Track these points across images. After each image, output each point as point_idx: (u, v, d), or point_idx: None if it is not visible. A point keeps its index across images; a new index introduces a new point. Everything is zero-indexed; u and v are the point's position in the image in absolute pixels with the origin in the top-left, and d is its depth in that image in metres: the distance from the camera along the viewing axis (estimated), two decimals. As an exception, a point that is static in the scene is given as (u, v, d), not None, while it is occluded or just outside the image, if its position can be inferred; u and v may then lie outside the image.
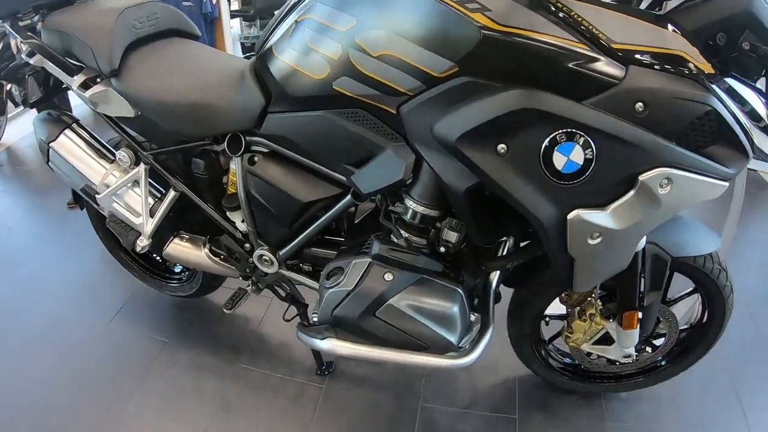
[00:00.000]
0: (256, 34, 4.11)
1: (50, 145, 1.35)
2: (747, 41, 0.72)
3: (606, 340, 1.30)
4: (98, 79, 1.22)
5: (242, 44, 4.26)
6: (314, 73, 0.90)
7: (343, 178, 1.02)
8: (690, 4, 0.75)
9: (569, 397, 1.57)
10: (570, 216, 0.80)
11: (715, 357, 1.43)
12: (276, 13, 1.03)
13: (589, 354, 1.39)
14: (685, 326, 1.39)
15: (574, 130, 0.74)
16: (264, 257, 1.23)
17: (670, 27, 0.74)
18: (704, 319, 1.33)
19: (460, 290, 1.02)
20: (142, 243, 1.32)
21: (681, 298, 1.33)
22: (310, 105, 0.95)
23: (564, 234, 0.82)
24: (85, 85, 1.22)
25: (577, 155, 0.76)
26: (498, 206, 0.90)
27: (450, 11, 0.75)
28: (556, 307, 1.35)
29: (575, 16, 0.73)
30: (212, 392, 1.51)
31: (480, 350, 1.07)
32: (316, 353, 1.53)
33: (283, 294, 1.42)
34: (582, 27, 0.72)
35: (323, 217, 1.11)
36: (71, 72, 1.23)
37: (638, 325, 1.19)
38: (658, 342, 1.37)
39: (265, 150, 1.10)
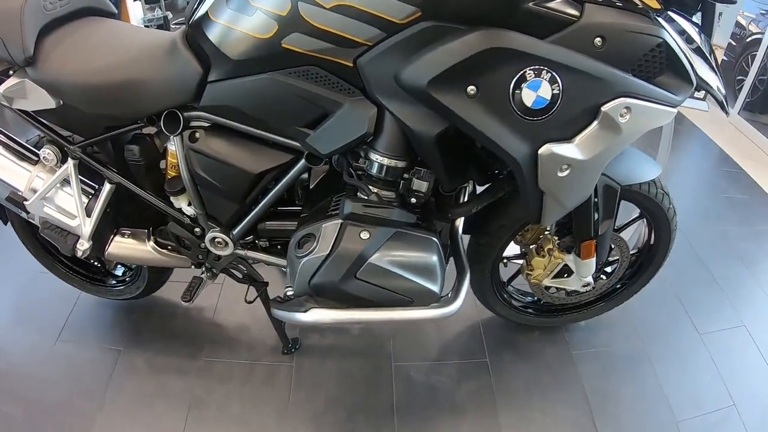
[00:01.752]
0: (160, 16, 3.88)
1: None
2: None
3: (564, 272, 1.35)
4: (10, 72, 1.09)
5: (146, 27, 3.99)
6: (259, 33, 0.85)
7: (296, 143, 0.98)
8: None
9: (533, 333, 1.64)
10: (541, 151, 0.83)
11: (658, 277, 1.53)
12: None
13: (548, 288, 1.44)
14: (634, 250, 1.47)
15: (540, 67, 0.76)
16: (217, 239, 1.17)
17: None
18: (651, 241, 1.41)
19: (435, 239, 1.01)
20: (83, 246, 1.21)
21: (629, 224, 1.41)
22: (256, 68, 0.89)
23: (536, 169, 0.84)
24: None
25: (545, 91, 0.78)
26: (464, 150, 0.90)
27: None
28: (511, 249, 1.39)
29: None
30: (180, 393, 1.44)
31: (463, 295, 1.09)
32: (281, 331, 1.48)
33: (239, 276, 1.36)
34: None
35: (276, 187, 1.06)
36: None
37: (595, 254, 1.23)
38: (611, 268, 1.44)
39: (206, 124, 1.03)
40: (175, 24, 4.29)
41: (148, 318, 1.68)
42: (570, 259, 1.29)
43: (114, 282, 1.66)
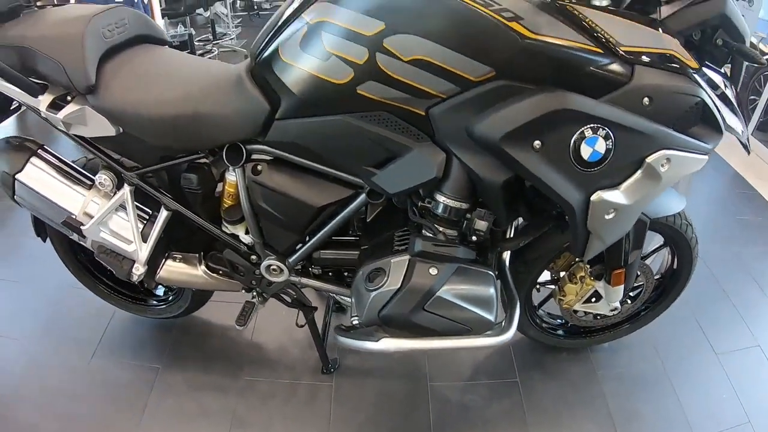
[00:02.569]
0: (183, 32, 3.95)
1: (16, 177, 1.19)
2: (720, 38, 0.86)
3: (592, 297, 1.42)
4: (68, 97, 1.10)
5: (170, 44, 4.05)
6: (334, 78, 0.88)
7: (358, 179, 1.03)
8: (677, 10, 0.85)
9: (560, 354, 1.70)
10: (593, 197, 0.89)
11: (678, 299, 1.59)
12: (275, 15, 0.99)
13: (577, 312, 1.50)
14: (658, 275, 1.53)
15: (597, 125, 0.83)
16: (272, 267, 1.21)
17: (660, 29, 0.84)
18: (674, 266, 1.48)
19: (492, 273, 1.08)
20: (139, 271, 1.24)
21: (654, 252, 1.48)
22: (327, 109, 0.93)
23: (587, 212, 0.91)
24: (54, 105, 1.09)
25: (600, 146, 0.85)
26: (521, 192, 0.97)
27: (489, 20, 0.79)
28: (543, 275, 1.46)
29: (589, 22, 0.81)
30: (220, 411, 1.46)
31: (515, 323, 1.16)
32: (322, 351, 1.54)
33: (289, 300, 1.41)
34: (595, 32, 0.81)
35: (335, 219, 1.11)
36: (34, 92, 1.09)
37: (624, 281, 1.30)
38: (636, 293, 1.51)
39: (268, 157, 1.07)
40: (199, 41, 4.37)
41: (186, 336, 1.70)
42: (600, 286, 1.36)
43: (155, 302, 1.68)
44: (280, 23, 0.94)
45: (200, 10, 4.36)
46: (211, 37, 4.37)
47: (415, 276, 1.03)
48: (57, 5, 1.17)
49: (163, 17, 3.68)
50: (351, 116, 0.92)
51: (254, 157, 1.07)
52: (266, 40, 0.96)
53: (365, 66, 0.85)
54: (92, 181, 1.24)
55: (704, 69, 0.90)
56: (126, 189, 1.19)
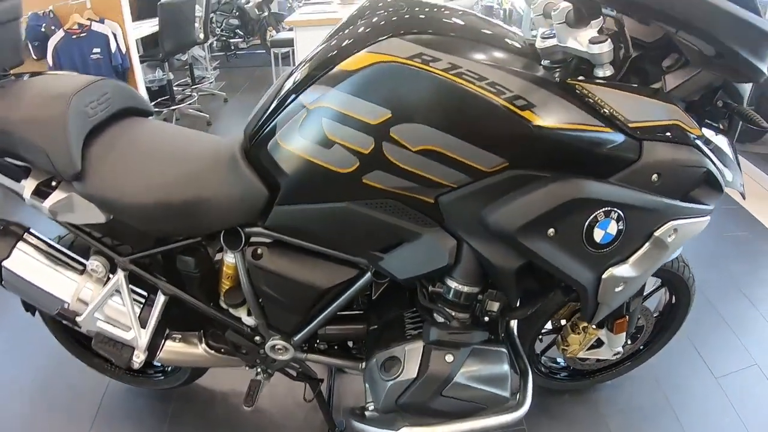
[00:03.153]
0: (162, 77, 3.95)
1: (2, 264, 1.13)
2: (721, 100, 0.86)
3: (596, 344, 1.42)
4: (53, 183, 1.04)
5: (148, 89, 4.06)
6: (338, 167, 0.85)
7: (363, 260, 1.01)
8: (682, 82, 0.85)
9: (563, 396, 1.70)
10: (604, 276, 0.90)
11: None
12: (268, 93, 0.96)
13: (580, 358, 1.51)
14: (656, 314, 1.55)
15: (610, 209, 0.84)
16: (277, 346, 1.18)
17: (663, 99, 0.84)
18: (672, 302, 1.50)
19: (504, 349, 1.09)
20: (139, 358, 1.20)
21: (652, 293, 1.49)
22: (331, 197, 0.90)
23: (597, 289, 0.92)
24: (39, 192, 1.03)
25: (612, 228, 0.86)
26: (531, 269, 0.97)
27: (501, 110, 0.77)
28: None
29: (598, 100, 0.80)
30: None
31: (530, 396, 1.15)
32: (328, 416, 1.51)
33: (294, 374, 1.38)
34: (604, 111, 0.80)
35: (341, 299, 1.07)
36: (17, 176, 1.04)
37: (626, 328, 1.31)
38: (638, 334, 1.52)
39: (268, 240, 1.03)
40: (178, 86, 4.36)
41: (188, 404, 1.66)
42: (603, 334, 1.36)
43: (153, 373, 1.64)
44: (275, 104, 0.91)
45: (179, 54, 4.38)
46: (189, 81, 4.37)
47: (432, 364, 1.03)
48: (32, 74, 1.13)
49: (141, 63, 3.69)
50: (356, 203, 0.89)
51: (254, 240, 1.03)
52: (261, 121, 0.93)
53: (371, 156, 0.83)
54: (83, 264, 1.19)
55: (703, 129, 0.90)
56: (120, 275, 1.15)
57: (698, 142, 0.85)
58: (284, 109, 0.89)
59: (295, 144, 0.87)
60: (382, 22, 0.86)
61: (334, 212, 0.91)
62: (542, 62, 0.86)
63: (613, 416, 1.65)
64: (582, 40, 0.77)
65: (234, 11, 6.00)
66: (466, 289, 0.99)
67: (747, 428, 1.65)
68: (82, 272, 1.19)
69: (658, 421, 1.65)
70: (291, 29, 3.34)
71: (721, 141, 0.94)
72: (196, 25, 4.01)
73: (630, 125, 0.80)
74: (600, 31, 0.77)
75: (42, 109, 0.99)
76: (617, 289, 0.93)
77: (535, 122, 0.77)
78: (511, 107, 0.77)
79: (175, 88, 4.16)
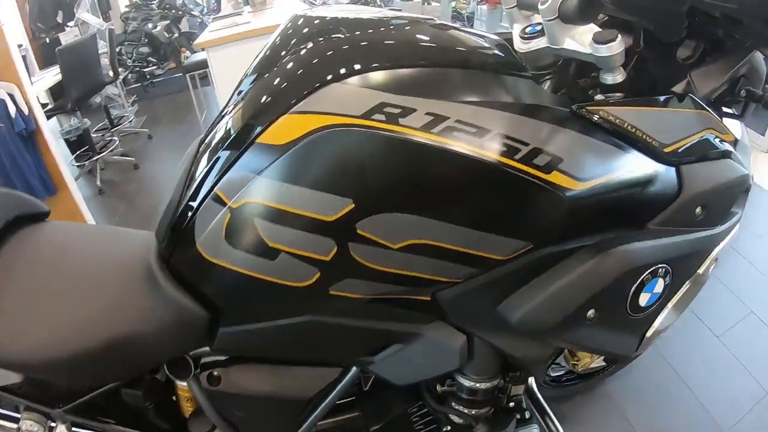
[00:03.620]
0: (77, 126, 3.62)
1: None
2: (744, 89, 0.70)
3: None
4: None
5: (66, 140, 3.70)
6: (291, 281, 0.62)
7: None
8: (708, 75, 0.68)
9: (574, 398, 1.62)
10: (648, 335, 0.75)
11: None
12: (176, 186, 0.71)
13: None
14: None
15: (657, 267, 0.67)
16: None
17: (692, 104, 0.67)
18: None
19: (536, 427, 0.94)
20: None
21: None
22: (290, 313, 0.68)
23: (638, 347, 0.77)
24: None
25: (659, 286, 0.69)
26: None
27: (518, 178, 0.55)
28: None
29: (628, 127, 0.61)
30: None
31: None
32: None
33: None
34: (636, 137, 0.62)
35: (327, 401, 0.85)
36: None
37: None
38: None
39: (224, 357, 0.81)
40: (97, 132, 4.03)
41: None
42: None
43: None
44: (185, 199, 0.67)
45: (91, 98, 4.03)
46: (108, 125, 4.05)
47: None
48: None
49: (49, 117, 3.35)
50: (324, 316, 0.67)
51: (205, 361, 0.81)
52: (172, 224, 0.69)
53: (335, 262, 0.60)
54: (16, 421, 0.96)
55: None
56: (61, 428, 0.93)
57: (732, 149, 0.71)
58: (199, 207, 0.65)
59: (225, 256, 0.63)
60: (314, 60, 0.62)
61: (298, 327, 0.68)
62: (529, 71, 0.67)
63: (628, 403, 1.58)
64: (583, 39, 0.59)
65: (143, 39, 5.65)
66: (483, 385, 0.80)
67: (757, 381, 1.63)
68: None
69: (670, 395, 1.60)
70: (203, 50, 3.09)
71: (736, 128, 0.79)
72: (104, 62, 3.70)
73: (666, 150, 0.63)
74: (603, 25, 0.60)
75: None
76: (654, 339, 0.78)
77: (568, 186, 0.57)
78: (533, 171, 0.56)
79: (94, 135, 3.85)
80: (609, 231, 0.63)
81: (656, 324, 0.75)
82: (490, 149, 0.55)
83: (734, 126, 0.78)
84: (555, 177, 0.56)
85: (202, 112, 4.09)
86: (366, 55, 0.61)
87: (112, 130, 4.03)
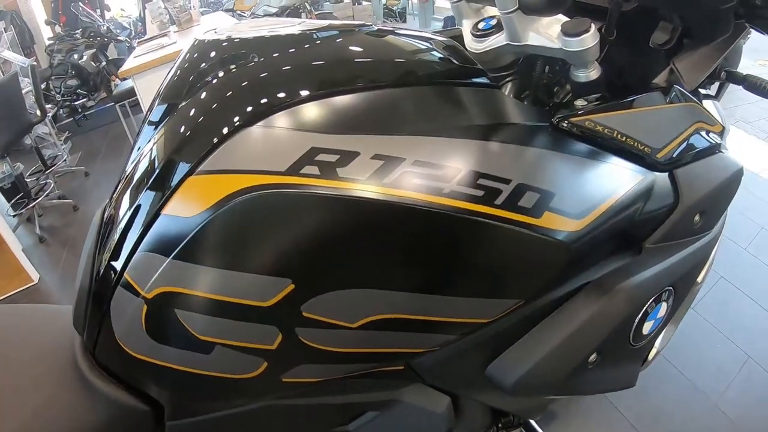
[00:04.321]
0: (10, 172, 3.37)
1: None
2: (723, 70, 0.62)
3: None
4: None
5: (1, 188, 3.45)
6: (235, 374, 0.52)
7: None
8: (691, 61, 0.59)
9: (568, 406, 1.59)
10: (649, 357, 0.68)
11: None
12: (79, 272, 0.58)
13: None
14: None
15: (662, 291, 0.60)
16: None
17: (679, 96, 0.60)
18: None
19: None
20: None
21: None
22: (242, 402, 0.56)
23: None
24: None
25: (662, 310, 0.62)
26: None
27: (500, 229, 0.46)
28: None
29: (617, 135, 0.53)
30: None
31: None
32: None
33: None
34: (627, 146, 0.54)
35: None
36: None
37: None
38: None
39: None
40: (31, 176, 3.77)
41: None
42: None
43: None
44: (94, 286, 0.55)
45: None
46: (42, 167, 3.81)
47: None
48: None
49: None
50: (280, 400, 0.57)
51: None
52: (85, 314, 0.57)
53: (282, 350, 0.49)
54: None
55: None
56: None
57: (721, 140, 0.64)
58: (110, 296, 0.52)
59: (151, 352, 0.51)
60: (220, 99, 0.49)
61: (253, 413, 0.57)
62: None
63: (621, 398, 1.56)
64: (549, 32, 0.50)
65: (70, 71, 5.36)
66: None
67: (738, 346, 1.66)
68: None
69: (658, 378, 1.59)
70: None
71: (712, 108, 0.72)
72: (29, 101, 3.45)
73: (659, 156, 0.56)
74: (569, 13, 0.50)
75: None
76: (652, 362, 0.73)
77: (564, 228, 0.48)
78: (520, 217, 0.46)
79: (28, 179, 3.61)
80: (606, 263, 0.56)
81: (657, 344, 0.69)
82: (462, 197, 0.45)
83: (711, 108, 0.71)
84: (548, 220, 0.47)
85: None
86: (286, 84, 0.48)
87: (47, 172, 3.79)
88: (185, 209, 0.45)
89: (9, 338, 0.72)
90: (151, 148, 0.53)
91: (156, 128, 0.54)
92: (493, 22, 0.57)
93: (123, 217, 0.52)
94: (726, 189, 0.63)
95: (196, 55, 0.57)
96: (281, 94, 0.47)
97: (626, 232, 0.57)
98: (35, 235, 3.19)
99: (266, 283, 0.45)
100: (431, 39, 0.60)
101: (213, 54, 0.55)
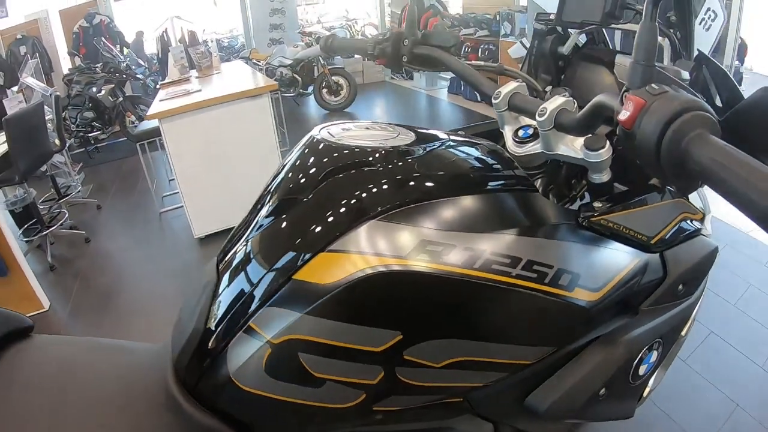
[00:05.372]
0: (23, 196, 3.45)
1: None
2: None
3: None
4: None
5: (11, 212, 3.46)
6: (336, 404, 0.64)
7: None
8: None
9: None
10: (644, 394, 0.83)
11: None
12: (189, 303, 0.71)
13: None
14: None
15: (653, 342, 0.76)
16: None
17: (669, 194, 0.76)
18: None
19: None
20: None
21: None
22: (331, 429, 0.69)
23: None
24: None
25: (654, 357, 0.78)
26: None
27: (547, 300, 0.62)
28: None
29: (623, 229, 0.70)
30: None
31: None
32: None
33: None
34: (630, 236, 0.71)
35: None
36: None
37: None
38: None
39: None
40: (44, 203, 3.86)
41: None
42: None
43: None
44: (212, 330, 0.66)
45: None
46: (55, 195, 3.91)
47: None
48: None
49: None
50: (365, 427, 0.69)
51: None
52: (195, 353, 0.68)
53: (381, 384, 0.62)
54: None
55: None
56: None
57: (701, 225, 0.81)
58: (230, 339, 0.64)
59: (265, 387, 0.63)
60: (347, 194, 0.63)
61: None
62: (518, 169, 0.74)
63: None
64: (575, 146, 0.67)
65: (87, 103, 5.53)
66: None
67: (727, 396, 1.78)
68: None
69: (653, 427, 1.69)
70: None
71: (697, 197, 0.90)
72: (49, 131, 3.58)
73: (652, 242, 0.72)
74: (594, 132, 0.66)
75: None
76: (647, 398, 0.88)
77: (588, 299, 0.65)
78: (559, 292, 0.63)
79: (40, 206, 3.67)
80: (612, 321, 0.72)
81: (650, 384, 0.84)
82: (524, 278, 0.61)
83: (697, 197, 0.88)
84: (577, 293, 0.64)
85: (153, 180, 4.01)
86: (399, 190, 0.63)
87: (60, 201, 3.88)
88: (318, 277, 0.59)
89: (93, 367, 0.82)
90: (277, 226, 0.67)
91: (276, 208, 0.69)
92: (530, 131, 0.74)
93: (246, 274, 0.66)
94: (703, 264, 0.79)
95: (312, 151, 0.72)
96: (396, 198, 0.62)
97: (629, 300, 0.73)
98: (46, 262, 3.23)
99: (382, 334, 0.60)
100: (478, 144, 0.75)
101: (335, 155, 0.69)
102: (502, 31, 5.90)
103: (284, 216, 0.67)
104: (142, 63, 6.96)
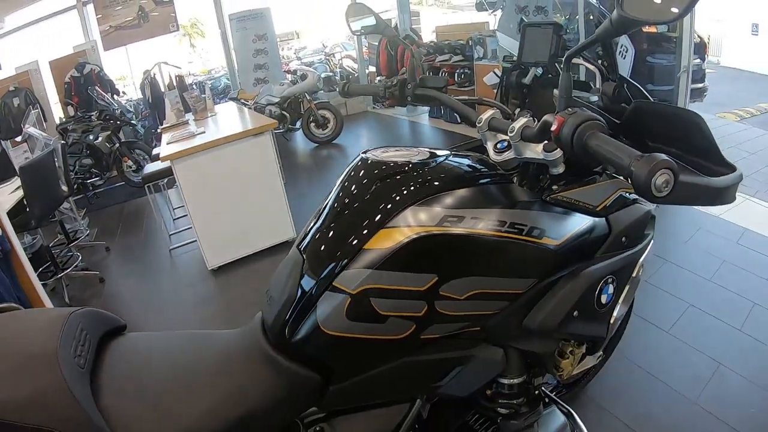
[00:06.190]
0: (33, 242, 3.55)
1: None
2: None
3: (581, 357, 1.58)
4: None
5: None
6: (394, 335, 0.89)
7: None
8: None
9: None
10: (611, 321, 1.08)
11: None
12: (278, 285, 0.96)
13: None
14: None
15: (607, 278, 1.02)
16: None
17: (608, 177, 1.03)
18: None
19: (554, 406, 1.22)
20: None
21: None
22: (389, 361, 0.93)
23: (608, 332, 1.10)
24: None
25: (611, 289, 1.04)
26: None
27: (526, 246, 0.91)
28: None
29: (574, 201, 0.98)
30: None
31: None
32: None
33: None
34: (580, 206, 0.98)
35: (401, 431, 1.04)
36: None
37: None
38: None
39: (324, 414, 1.01)
40: (54, 248, 3.94)
41: None
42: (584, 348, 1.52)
43: None
44: (303, 297, 0.91)
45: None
46: (65, 239, 4.05)
47: None
48: None
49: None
50: (409, 358, 0.93)
51: (309, 420, 1.02)
52: (291, 317, 0.92)
53: (425, 316, 0.88)
54: None
55: None
56: None
57: (636, 195, 1.07)
58: (319, 299, 0.89)
59: (346, 329, 0.88)
60: (395, 190, 0.91)
61: (391, 370, 0.94)
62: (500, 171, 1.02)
63: (609, 401, 1.83)
64: (537, 150, 0.93)
65: (84, 151, 5.68)
66: (517, 380, 1.10)
67: (710, 356, 1.99)
68: None
69: (644, 389, 1.88)
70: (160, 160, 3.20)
71: None
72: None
73: (598, 209, 1.00)
74: (548, 140, 0.93)
75: (32, 380, 0.79)
76: (615, 324, 1.11)
77: (552, 244, 0.93)
78: (533, 239, 0.91)
79: (53, 251, 3.79)
80: (576, 262, 0.99)
81: (615, 314, 1.09)
82: (510, 233, 0.90)
83: None
84: (545, 240, 0.93)
85: (161, 217, 4.21)
86: (427, 186, 0.92)
87: (70, 245, 4.02)
88: (381, 245, 0.87)
89: (186, 349, 1.05)
90: (347, 218, 0.93)
91: (343, 207, 0.96)
92: (506, 143, 1.01)
93: (327, 251, 0.92)
94: (640, 221, 1.07)
95: (363, 166, 1.01)
96: (425, 191, 0.90)
97: (585, 248, 1.00)
98: (65, 303, 3.37)
99: (424, 277, 0.87)
100: (470, 156, 1.03)
101: (383, 167, 0.97)
102: (476, 54, 6.26)
103: (351, 208, 0.95)
104: (130, 109, 7.08)
